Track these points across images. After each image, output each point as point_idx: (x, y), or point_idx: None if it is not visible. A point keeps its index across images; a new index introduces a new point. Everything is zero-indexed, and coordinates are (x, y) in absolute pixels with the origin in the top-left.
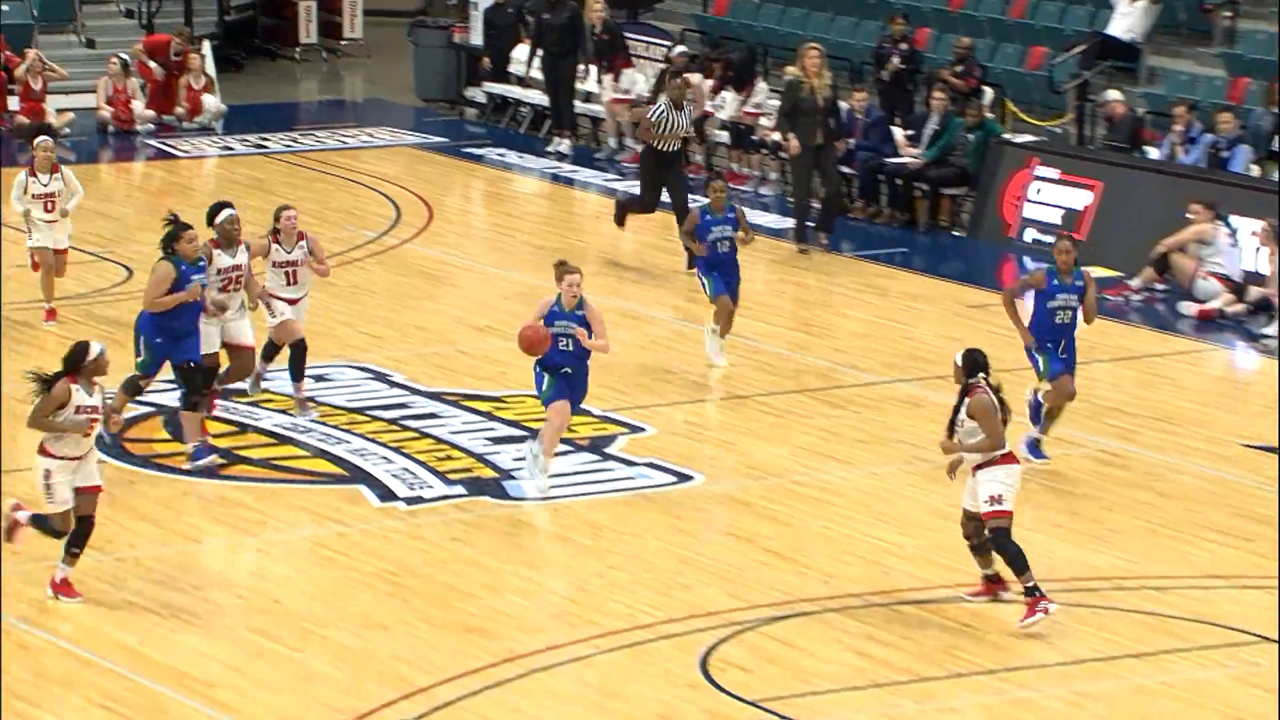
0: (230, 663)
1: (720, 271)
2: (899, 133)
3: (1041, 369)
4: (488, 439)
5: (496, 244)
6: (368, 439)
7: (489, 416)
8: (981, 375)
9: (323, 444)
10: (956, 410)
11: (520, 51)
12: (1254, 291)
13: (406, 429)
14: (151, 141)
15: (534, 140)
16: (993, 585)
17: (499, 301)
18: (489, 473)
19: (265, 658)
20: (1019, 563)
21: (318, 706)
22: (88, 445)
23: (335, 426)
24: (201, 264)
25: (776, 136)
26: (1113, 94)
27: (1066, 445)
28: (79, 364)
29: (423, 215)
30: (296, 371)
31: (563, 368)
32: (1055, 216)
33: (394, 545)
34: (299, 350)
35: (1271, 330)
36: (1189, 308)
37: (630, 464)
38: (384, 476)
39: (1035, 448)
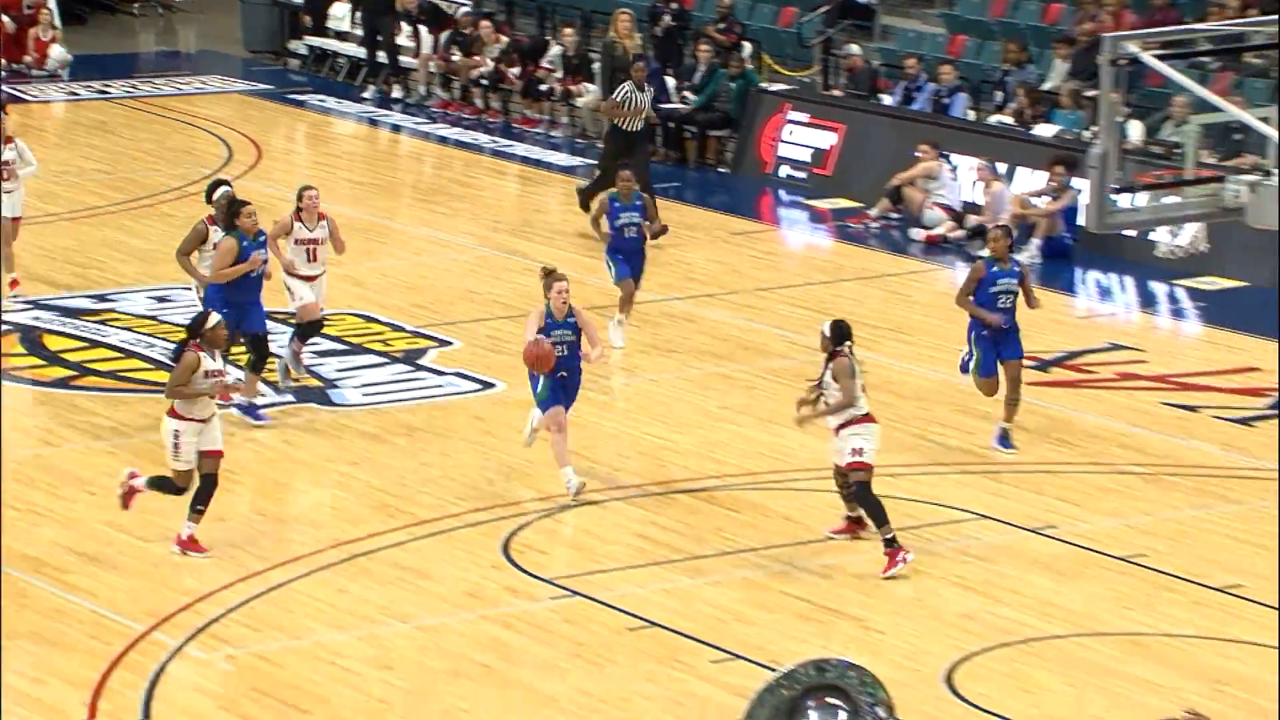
0: (83, 551)
1: (625, 256)
2: (671, 82)
3: (974, 364)
4: (313, 353)
5: (318, 179)
6: None
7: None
8: (847, 344)
9: (164, 358)
10: (823, 374)
11: (338, 9)
12: (971, 219)
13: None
14: (4, 87)
15: (350, 87)
16: (853, 525)
17: None
18: (315, 383)
19: (115, 546)
20: (879, 516)
21: (164, 590)
22: (213, 409)
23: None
24: (261, 238)
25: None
26: (853, 49)
27: (815, 353)
28: (200, 331)
29: (252, 154)
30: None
31: (559, 372)
32: (805, 155)
33: (230, 445)
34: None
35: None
36: (918, 233)
37: (440, 374)
38: None
39: (1005, 439)
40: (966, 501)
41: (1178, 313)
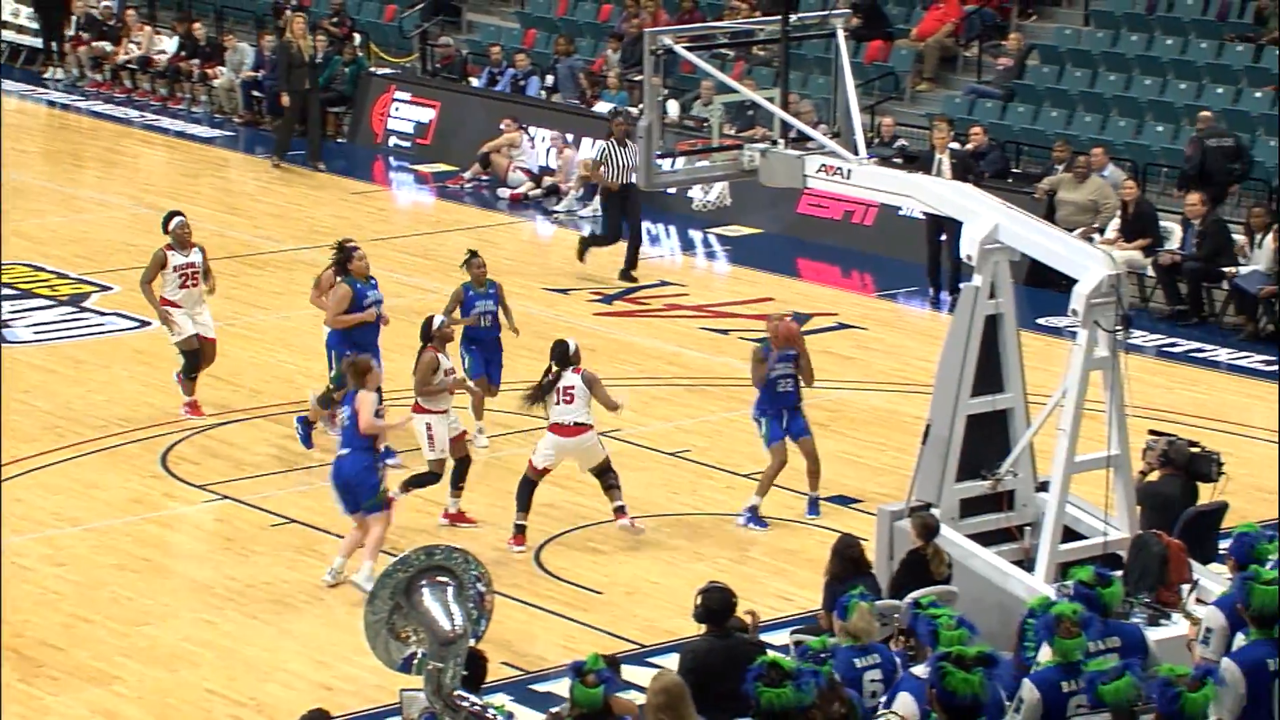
0: None
1: (480, 348)
2: None
3: (763, 433)
4: None
5: None
6: None
7: None
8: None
9: None
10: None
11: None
12: (547, 180)
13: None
14: None
15: (11, 69)
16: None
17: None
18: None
19: None
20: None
21: None
22: (451, 399)
23: None
24: (373, 281)
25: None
26: (446, 40)
27: (421, 291)
28: (431, 334)
29: None
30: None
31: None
32: (409, 128)
33: None
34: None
35: (560, 206)
36: (504, 193)
37: (101, 314)
38: None
39: (755, 516)
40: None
41: (711, 255)
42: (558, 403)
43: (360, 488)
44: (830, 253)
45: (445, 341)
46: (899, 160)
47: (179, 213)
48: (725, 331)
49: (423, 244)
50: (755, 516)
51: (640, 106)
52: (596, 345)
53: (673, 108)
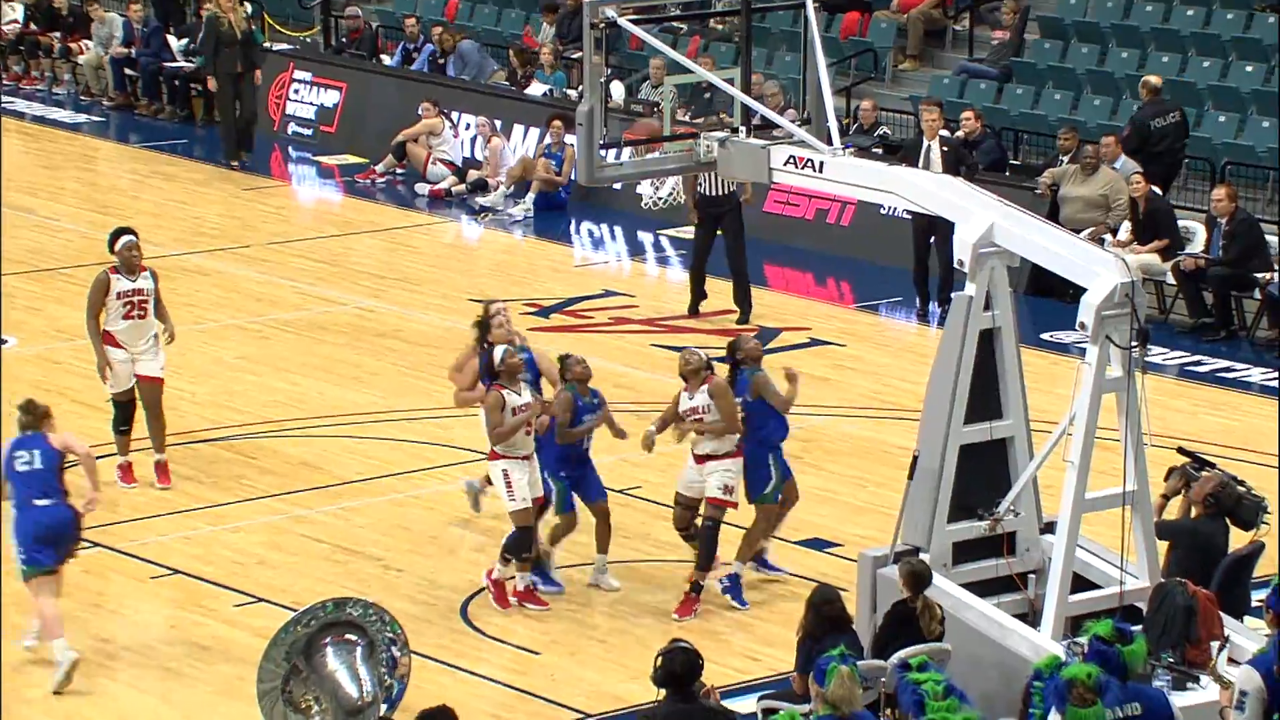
0: None
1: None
2: (174, 41)
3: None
4: None
5: None
6: None
7: None
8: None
9: None
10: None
11: None
12: (473, 174)
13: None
14: None
15: None
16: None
17: None
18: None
19: None
20: (709, 558)
21: None
22: (531, 444)
23: None
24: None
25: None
26: (352, 10)
27: (328, 303)
28: (495, 370)
29: None
30: None
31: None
32: (310, 113)
33: None
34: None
35: (488, 201)
36: (423, 189)
37: None
38: None
39: (737, 588)
40: (477, 443)
41: (663, 260)
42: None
43: (67, 538)
44: (802, 257)
45: (514, 374)
46: (879, 151)
47: (128, 230)
48: (680, 349)
49: (328, 249)
50: (736, 586)
51: (579, 89)
52: None
53: (617, 90)
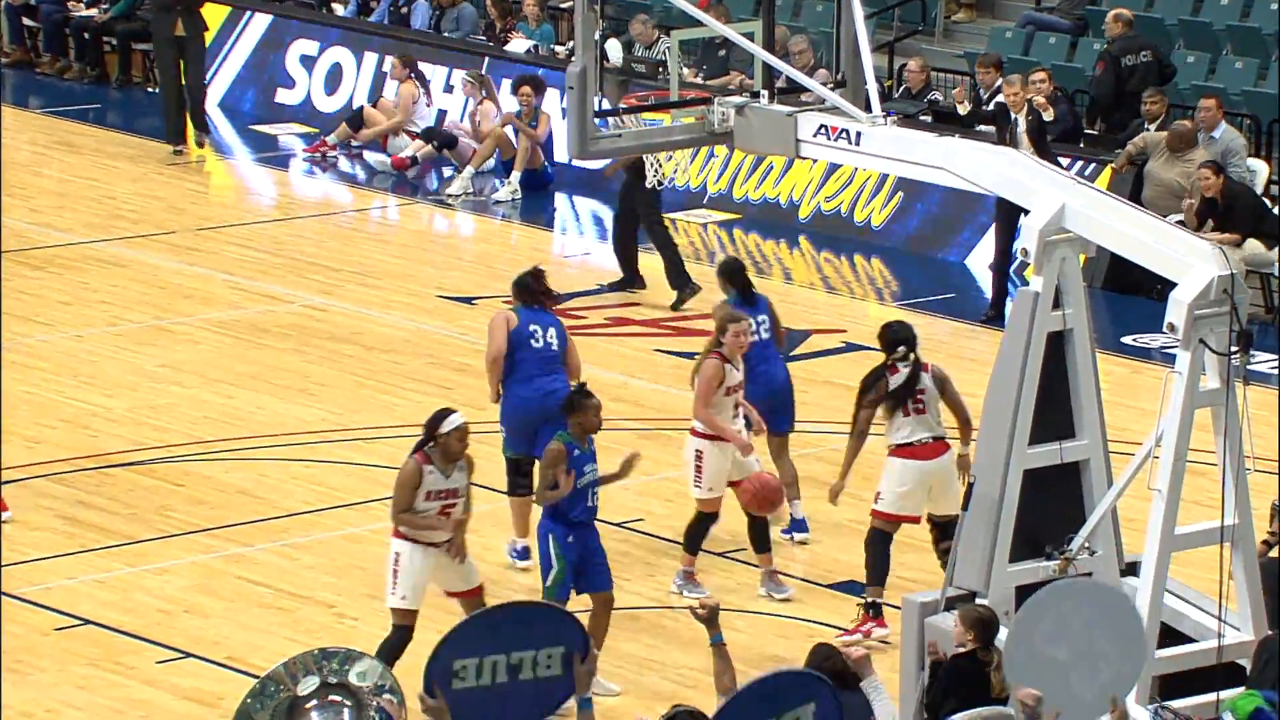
0: None
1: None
2: None
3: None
4: None
5: None
6: None
7: None
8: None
9: None
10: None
11: None
12: (450, 128)
13: None
14: None
15: None
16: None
17: None
18: None
19: None
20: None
21: None
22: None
23: None
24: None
25: None
26: None
27: (270, 300)
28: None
29: None
30: None
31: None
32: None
33: None
34: None
35: (455, 188)
36: (384, 161)
37: None
38: None
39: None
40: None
41: None
42: (907, 414)
43: None
44: (836, 244)
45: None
46: (928, 118)
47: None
48: (690, 355)
49: (270, 235)
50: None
51: (569, 46)
52: None
53: (614, 49)
